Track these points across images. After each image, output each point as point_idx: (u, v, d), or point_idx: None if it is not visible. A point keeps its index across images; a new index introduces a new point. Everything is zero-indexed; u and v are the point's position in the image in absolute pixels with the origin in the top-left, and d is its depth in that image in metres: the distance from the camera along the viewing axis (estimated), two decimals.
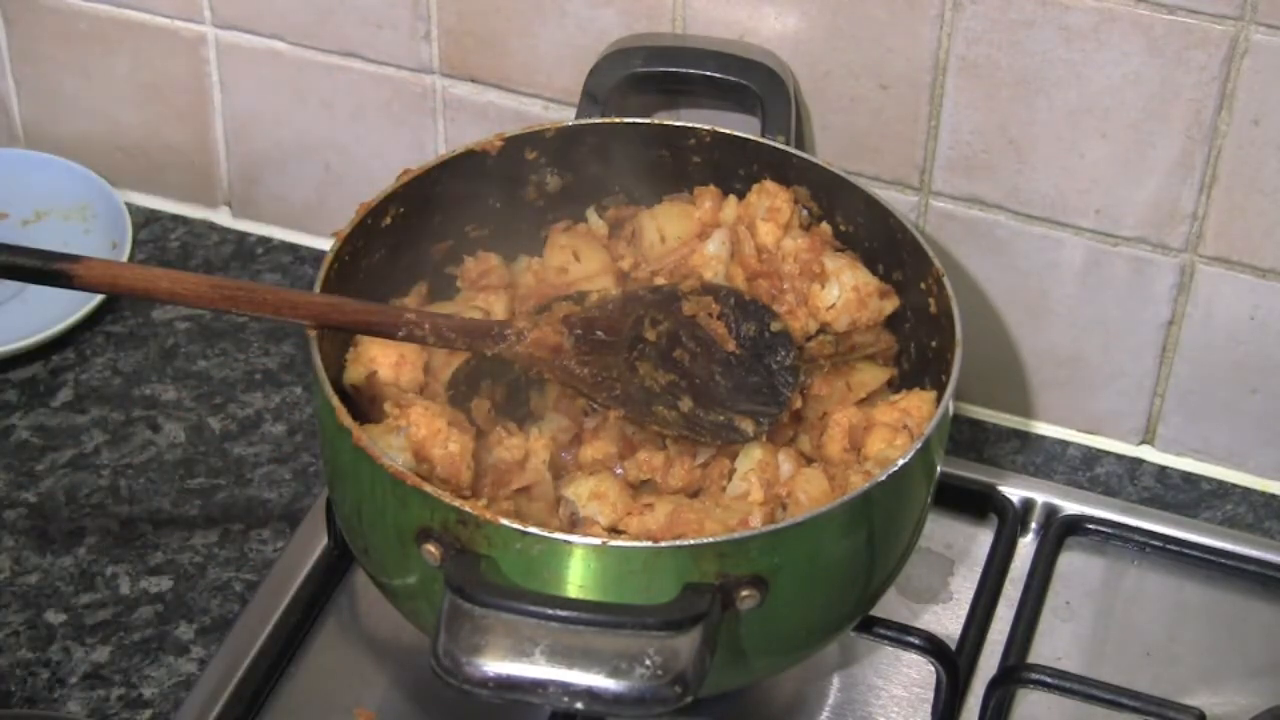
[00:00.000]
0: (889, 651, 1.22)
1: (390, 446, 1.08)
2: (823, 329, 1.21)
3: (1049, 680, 1.17)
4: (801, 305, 1.21)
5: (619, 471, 1.13)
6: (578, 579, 1.00)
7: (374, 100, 1.44)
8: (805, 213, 1.24)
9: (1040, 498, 1.33)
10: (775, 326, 1.19)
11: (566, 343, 1.12)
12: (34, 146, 1.57)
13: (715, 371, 1.16)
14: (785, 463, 1.12)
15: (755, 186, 1.24)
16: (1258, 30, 1.19)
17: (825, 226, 1.24)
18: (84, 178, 1.53)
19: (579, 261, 1.24)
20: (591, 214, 1.27)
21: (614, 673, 0.94)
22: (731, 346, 1.17)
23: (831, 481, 1.11)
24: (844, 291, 1.20)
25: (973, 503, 1.32)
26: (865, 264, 1.22)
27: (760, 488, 1.10)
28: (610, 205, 1.27)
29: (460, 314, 1.18)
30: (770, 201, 1.23)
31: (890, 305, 1.21)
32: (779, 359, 1.17)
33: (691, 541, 1.00)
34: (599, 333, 1.14)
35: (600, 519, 1.08)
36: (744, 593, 1.00)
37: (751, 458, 1.12)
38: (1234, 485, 1.37)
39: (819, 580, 1.05)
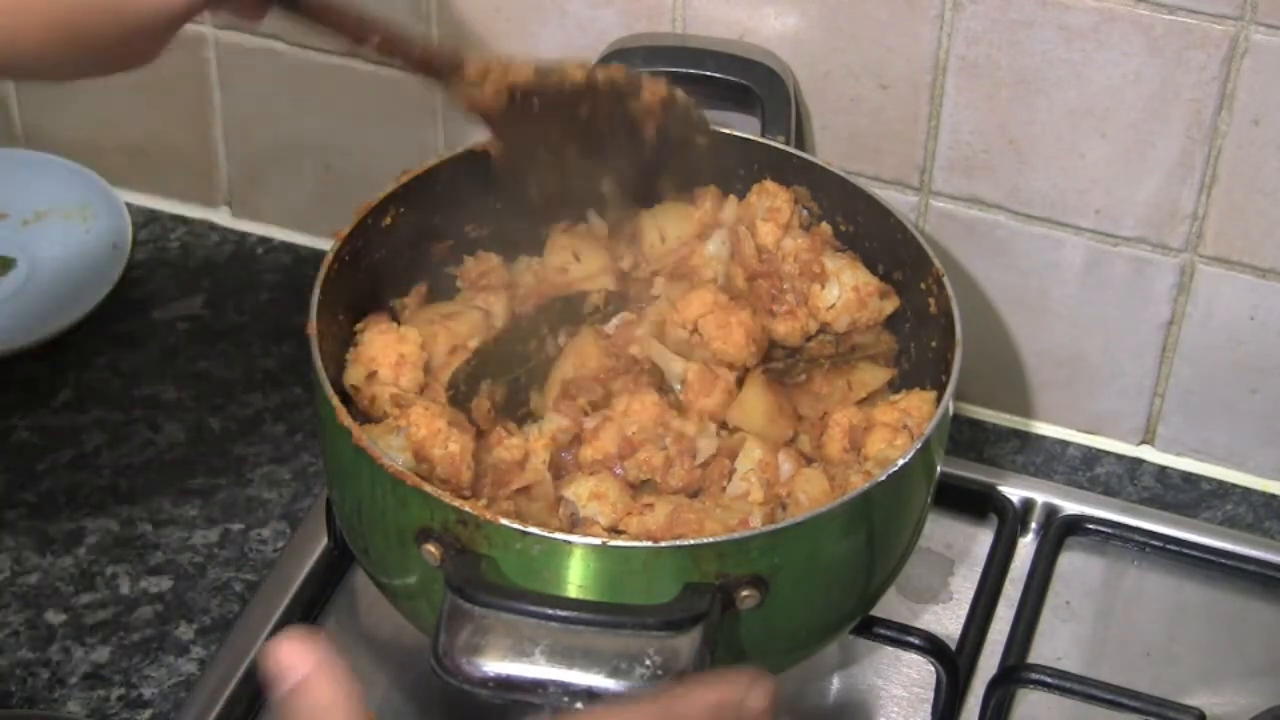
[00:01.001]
0: (889, 651, 1.22)
1: (390, 447, 1.08)
2: (823, 329, 1.22)
3: (1049, 680, 1.17)
4: (801, 305, 1.21)
5: (619, 471, 1.13)
6: (578, 579, 1.00)
7: (374, 100, 1.44)
8: (805, 212, 1.24)
9: (1040, 498, 1.33)
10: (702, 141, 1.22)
11: (501, 104, 1.14)
12: (34, 146, 1.57)
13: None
14: (785, 463, 1.12)
15: (755, 186, 1.24)
16: (1258, 30, 1.19)
17: (825, 226, 1.24)
18: (84, 178, 1.53)
19: (579, 261, 1.23)
20: (593, 214, 1.27)
21: (614, 673, 0.94)
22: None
23: (831, 481, 1.11)
24: (844, 291, 1.20)
25: (973, 503, 1.32)
26: (865, 264, 1.22)
27: (760, 487, 1.10)
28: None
29: (462, 313, 1.19)
30: (770, 201, 1.23)
31: (890, 305, 1.21)
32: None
33: (691, 541, 1.00)
34: (536, 101, 1.15)
35: (600, 519, 1.08)
36: (744, 593, 1.00)
37: (751, 457, 1.12)
38: (1234, 485, 1.37)
39: (819, 580, 1.05)
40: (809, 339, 1.22)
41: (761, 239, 1.23)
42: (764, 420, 1.15)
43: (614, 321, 1.20)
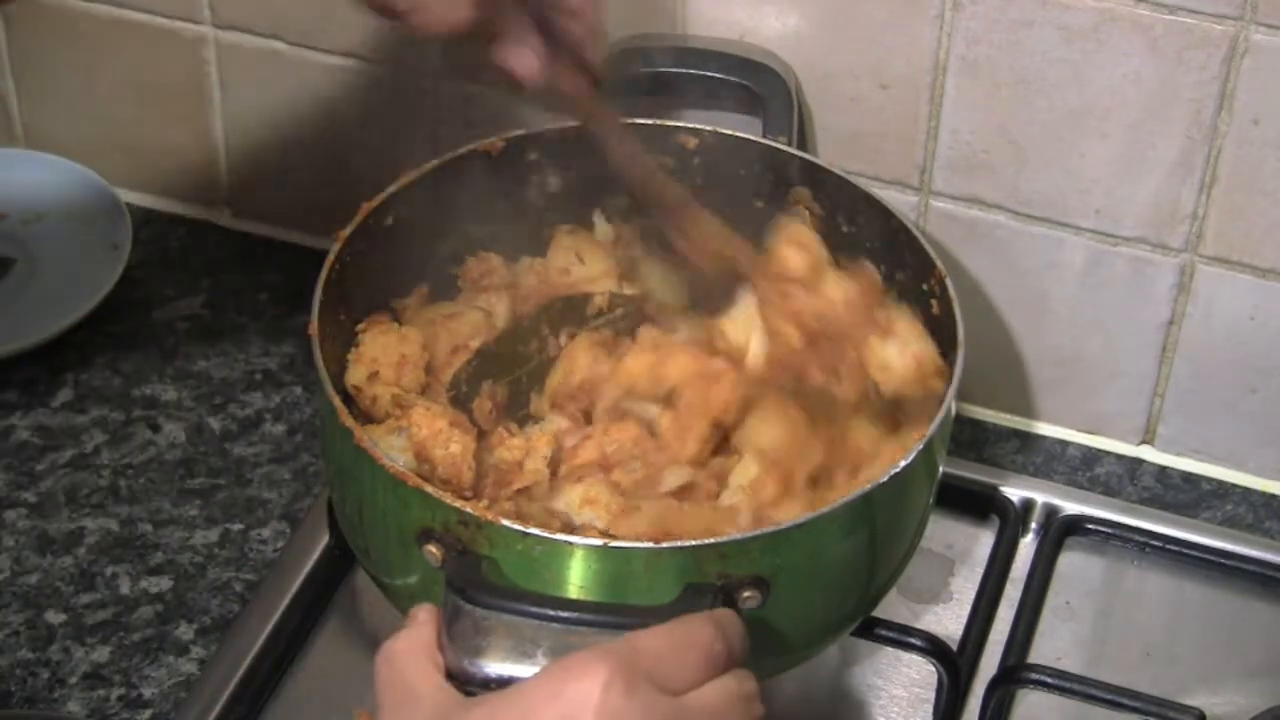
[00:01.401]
0: (889, 652, 1.22)
1: (391, 447, 1.08)
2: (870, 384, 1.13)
3: (1049, 680, 1.17)
4: (859, 364, 1.12)
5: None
6: (579, 580, 1.00)
7: (374, 100, 1.44)
8: (806, 214, 1.23)
9: (1040, 498, 1.33)
10: None
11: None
12: (34, 146, 1.57)
13: None
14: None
15: (775, 225, 1.19)
16: (1258, 30, 1.19)
17: (870, 268, 1.18)
18: (84, 178, 1.53)
19: (582, 263, 1.23)
20: (599, 221, 1.26)
21: None
22: None
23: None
24: (905, 357, 1.12)
25: (974, 503, 1.32)
26: (867, 266, 1.21)
27: (749, 512, 1.07)
28: (615, 210, 1.26)
29: (463, 313, 1.19)
30: (793, 236, 1.18)
31: (940, 384, 1.12)
32: None
33: (693, 542, 0.99)
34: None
35: (596, 523, 1.08)
36: (745, 593, 1.00)
37: (747, 474, 1.09)
38: (1234, 485, 1.37)
39: (821, 581, 1.05)
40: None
41: (795, 271, 1.15)
42: (773, 443, 1.10)
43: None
